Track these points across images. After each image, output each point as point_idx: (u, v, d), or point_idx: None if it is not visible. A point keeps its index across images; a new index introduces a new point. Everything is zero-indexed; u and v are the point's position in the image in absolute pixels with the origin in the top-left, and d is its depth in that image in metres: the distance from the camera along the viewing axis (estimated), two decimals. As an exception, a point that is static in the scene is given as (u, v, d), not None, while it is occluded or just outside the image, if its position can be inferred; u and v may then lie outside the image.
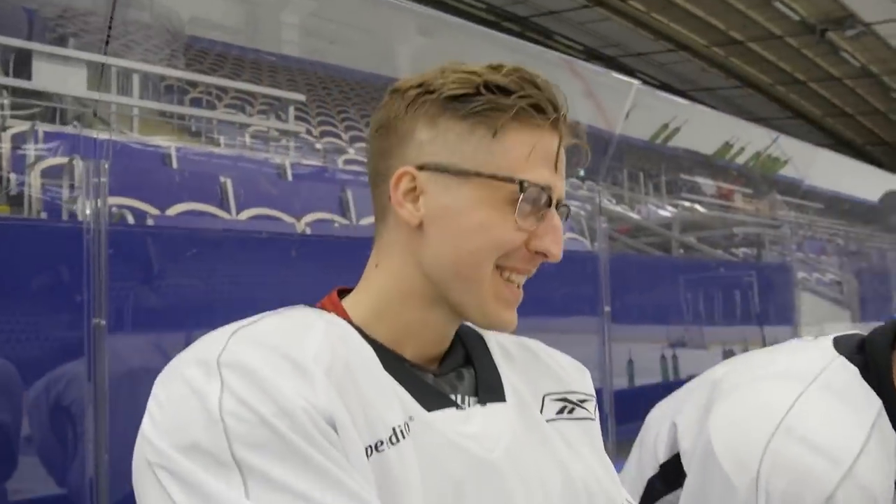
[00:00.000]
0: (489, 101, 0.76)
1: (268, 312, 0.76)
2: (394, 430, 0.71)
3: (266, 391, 0.65)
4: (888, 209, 7.59)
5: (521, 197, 0.75)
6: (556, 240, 0.78)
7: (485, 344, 0.87)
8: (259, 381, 0.65)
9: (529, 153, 0.76)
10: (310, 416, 0.65)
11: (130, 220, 2.95)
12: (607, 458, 0.87)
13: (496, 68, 0.77)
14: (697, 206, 6.95)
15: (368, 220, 4.23)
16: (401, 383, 0.74)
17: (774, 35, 14.33)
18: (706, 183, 6.71)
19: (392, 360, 0.76)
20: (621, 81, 3.96)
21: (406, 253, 0.79)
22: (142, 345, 2.06)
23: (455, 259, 0.77)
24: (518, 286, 0.79)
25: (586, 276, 2.93)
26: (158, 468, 0.64)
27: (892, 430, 0.91)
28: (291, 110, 5.22)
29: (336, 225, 3.99)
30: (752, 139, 5.72)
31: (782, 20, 13.58)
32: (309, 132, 6.01)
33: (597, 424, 0.88)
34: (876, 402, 0.92)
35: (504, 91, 0.76)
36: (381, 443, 0.69)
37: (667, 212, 6.79)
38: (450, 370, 0.81)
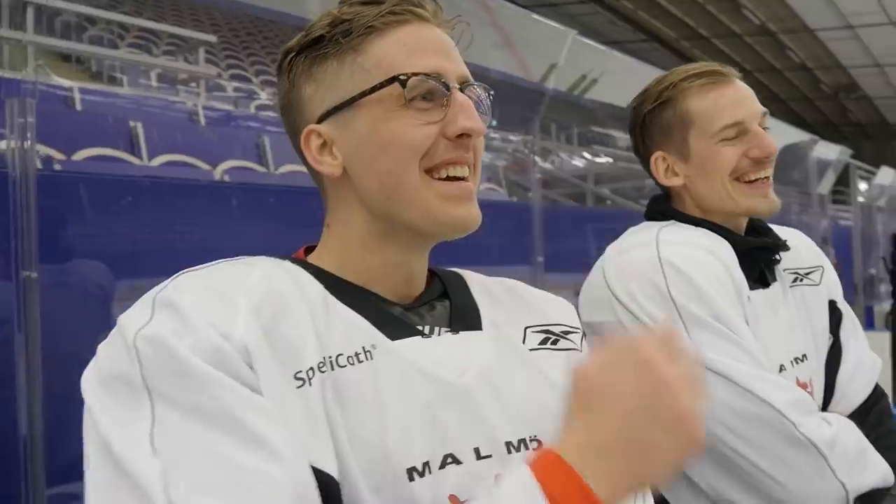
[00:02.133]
0: (340, 31, 0.77)
1: (225, 259, 0.77)
2: (352, 355, 0.72)
3: (184, 323, 0.67)
4: (787, 164, 7.95)
5: (406, 90, 0.75)
6: (468, 115, 0.76)
7: (465, 283, 0.87)
8: (181, 313, 0.67)
9: (404, 51, 0.77)
10: (219, 348, 0.66)
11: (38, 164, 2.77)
12: None
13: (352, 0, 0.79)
14: (609, 158, 7.09)
15: (286, 167, 4.11)
16: (364, 316, 0.75)
17: (681, -10, 14.65)
18: (619, 135, 6.83)
19: (356, 296, 0.77)
20: (556, 30, 3.93)
21: (346, 203, 0.80)
22: (74, 296, 1.95)
23: (381, 183, 0.77)
24: (463, 179, 0.78)
25: (521, 226, 2.95)
26: (86, 392, 0.68)
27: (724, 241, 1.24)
28: (202, 52, 4.98)
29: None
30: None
31: (689, -24, 13.87)
32: (219, 75, 5.77)
33: (583, 356, 0.87)
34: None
35: (355, 15, 0.78)
36: (327, 366, 0.70)
37: (580, 163, 6.90)
38: (422, 304, 0.82)
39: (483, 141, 0.81)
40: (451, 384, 0.75)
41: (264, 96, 6.10)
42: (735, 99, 1.24)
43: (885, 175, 8.74)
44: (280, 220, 2.68)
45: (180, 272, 0.73)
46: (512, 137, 6.10)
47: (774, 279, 1.28)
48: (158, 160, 3.53)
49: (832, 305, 1.33)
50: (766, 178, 1.26)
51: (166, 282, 0.72)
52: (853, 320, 1.34)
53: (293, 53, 0.81)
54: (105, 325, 1.92)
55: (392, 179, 0.77)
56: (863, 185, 7.82)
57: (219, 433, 0.63)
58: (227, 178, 3.52)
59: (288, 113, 0.83)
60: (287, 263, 0.78)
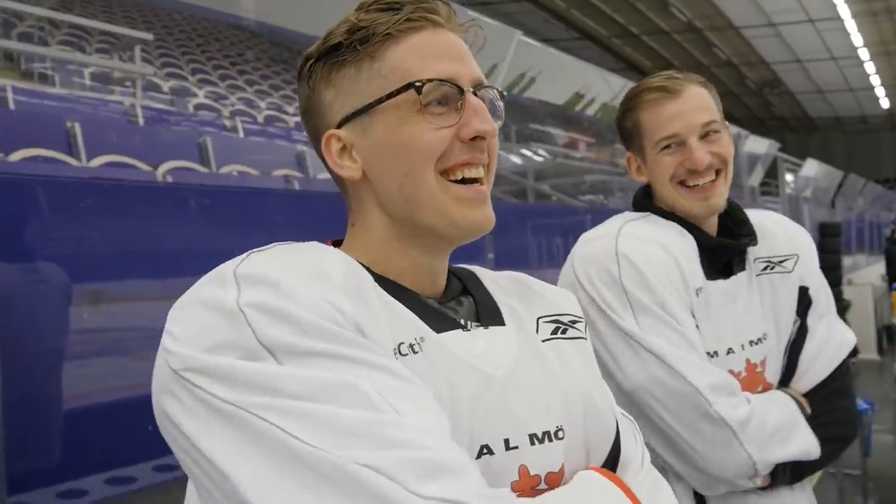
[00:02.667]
0: (358, 38, 0.79)
1: (277, 243, 0.77)
2: (409, 345, 0.74)
3: (287, 293, 0.66)
4: (743, 165, 8.17)
5: (421, 96, 0.77)
6: (482, 119, 0.79)
7: (478, 278, 0.90)
8: (278, 284, 0.67)
9: (419, 57, 0.79)
10: (333, 316, 0.67)
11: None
12: (599, 375, 0.91)
13: (362, 5, 0.81)
14: (546, 155, 7.18)
15: (230, 167, 4.06)
16: (408, 307, 0.77)
17: (612, -12, 14.92)
18: (557, 132, 6.93)
19: (397, 289, 0.79)
20: (500, 30, 3.97)
21: (367, 206, 0.82)
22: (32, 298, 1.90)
23: (400, 186, 0.79)
24: (478, 181, 0.80)
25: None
26: (186, 371, 0.64)
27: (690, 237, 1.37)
28: (137, 50, 4.87)
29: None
30: (601, 90, 5.95)
31: (619, -26, 14.14)
32: (155, 74, 5.65)
33: (589, 344, 0.91)
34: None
35: (372, 22, 0.79)
36: (396, 353, 0.72)
37: (519, 159, 6.97)
38: (450, 299, 0.84)
39: (497, 142, 0.83)
40: (490, 377, 0.77)
41: (202, 95, 5.99)
42: (675, 113, 1.36)
43: (810, 167, 9.09)
44: (228, 222, 2.65)
45: (248, 252, 0.72)
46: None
47: (743, 268, 1.40)
48: (98, 161, 3.45)
49: (803, 291, 1.44)
50: (707, 182, 1.37)
51: (234, 260, 0.71)
52: (827, 305, 1.47)
53: (312, 60, 0.82)
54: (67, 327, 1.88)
55: (410, 182, 0.79)
56: (789, 177, 8.11)
57: (365, 369, 0.64)
58: (169, 179, 3.46)
59: (308, 118, 0.85)
60: (339, 251, 0.79)
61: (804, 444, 1.30)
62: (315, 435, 0.60)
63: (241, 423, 0.61)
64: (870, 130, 26.74)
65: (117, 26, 5.63)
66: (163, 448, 0.71)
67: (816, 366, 1.40)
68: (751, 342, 1.36)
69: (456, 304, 0.84)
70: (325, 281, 0.69)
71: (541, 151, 7.13)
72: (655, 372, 1.25)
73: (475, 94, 0.80)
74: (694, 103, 1.36)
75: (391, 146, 0.79)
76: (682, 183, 1.36)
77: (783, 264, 1.44)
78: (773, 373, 1.37)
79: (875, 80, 20.56)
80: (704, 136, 1.34)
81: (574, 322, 0.91)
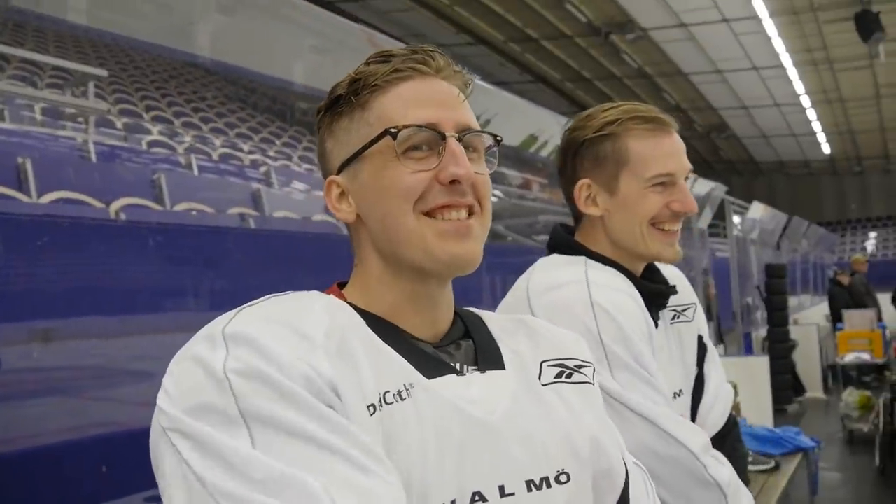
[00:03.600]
0: (352, 90, 0.84)
1: (272, 294, 0.79)
2: (395, 392, 0.75)
3: (268, 356, 0.69)
4: (699, 207, 8.32)
5: (397, 142, 0.80)
6: (457, 163, 0.81)
7: (483, 322, 0.91)
8: (261, 347, 0.70)
9: (402, 105, 0.82)
10: (310, 378, 0.69)
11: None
12: (609, 421, 0.90)
13: (369, 60, 0.86)
14: (501, 195, 7.26)
15: (183, 205, 4.03)
16: (400, 353, 0.78)
17: (564, 34, 15.26)
18: (511, 173, 7.01)
19: (391, 333, 0.80)
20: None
21: (363, 245, 0.87)
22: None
23: (384, 226, 0.83)
24: (460, 219, 0.82)
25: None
26: (171, 432, 0.68)
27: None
28: (91, 86, 4.82)
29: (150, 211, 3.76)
30: (555, 132, 6.06)
31: (572, 21, 14.48)
32: (109, 111, 5.59)
33: (597, 389, 0.90)
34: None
35: (367, 72, 0.84)
36: (380, 403, 0.73)
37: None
38: (449, 342, 0.85)
39: (488, 182, 0.85)
40: (482, 422, 0.77)
41: (156, 132, 5.95)
42: (672, 151, 1.29)
43: (756, 210, 9.33)
44: (182, 259, 2.63)
45: (240, 307, 0.75)
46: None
47: (659, 318, 1.32)
48: (49, 197, 3.39)
49: (700, 340, 1.41)
50: (678, 230, 1.31)
51: (226, 316, 0.74)
52: (714, 351, 1.42)
53: (321, 112, 0.88)
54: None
55: (394, 219, 0.81)
56: (737, 219, 8.31)
57: (327, 454, 0.65)
58: (123, 216, 3.41)
59: (321, 166, 0.90)
60: (334, 301, 0.81)
61: (749, 498, 1.26)
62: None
63: (199, 496, 0.65)
64: (812, 174, 27.62)
65: (70, 62, 5.58)
66: (116, 490, 0.71)
67: (714, 415, 1.36)
68: (675, 394, 1.30)
69: (454, 347, 0.85)
70: (306, 341, 0.72)
71: (496, 192, 7.21)
72: (645, 438, 1.15)
73: (460, 140, 0.82)
74: (682, 144, 1.31)
75: (375, 189, 0.82)
76: (655, 225, 1.28)
77: (685, 313, 1.40)
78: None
79: (816, 127, 21.29)
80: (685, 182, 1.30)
81: (580, 367, 0.90)
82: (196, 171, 5.01)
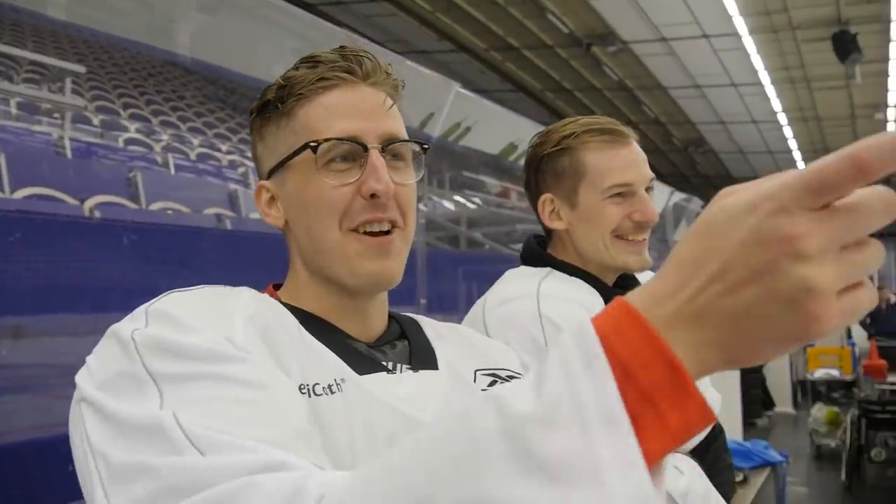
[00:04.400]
0: (279, 97, 0.84)
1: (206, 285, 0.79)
2: (325, 386, 0.75)
3: (182, 327, 0.68)
4: (669, 220, 8.37)
5: (317, 156, 0.80)
6: (377, 178, 0.80)
7: (419, 326, 0.92)
8: (178, 321, 0.69)
9: (325, 116, 0.82)
10: (222, 344, 0.68)
11: None
12: None
13: (298, 63, 0.85)
14: (480, 202, 7.28)
15: (159, 204, 3.99)
16: (332, 350, 0.78)
17: (546, 45, 15.34)
18: (490, 181, 7.04)
19: (323, 330, 0.81)
20: (441, 81, 4.04)
21: (293, 251, 0.87)
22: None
23: (309, 238, 0.83)
24: (386, 233, 0.82)
25: (405, 268, 2.98)
26: (81, 403, 0.68)
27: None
28: (69, 82, 4.77)
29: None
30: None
31: (554, 31, 14.56)
32: (86, 107, 5.53)
33: None
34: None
35: (294, 79, 0.84)
36: (305, 388, 0.73)
37: (452, 206, 7.04)
38: (384, 343, 0.86)
39: (411, 193, 0.85)
40: (413, 419, 0.78)
41: (133, 130, 5.90)
42: (629, 161, 1.29)
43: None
44: (157, 258, 2.61)
45: (167, 292, 0.75)
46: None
47: None
48: (22, 192, 3.35)
49: None
50: (644, 238, 1.31)
51: (155, 298, 0.74)
52: None
53: (253, 115, 0.88)
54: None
55: (318, 232, 0.82)
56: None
57: (223, 384, 0.64)
58: (97, 214, 3.38)
59: (255, 167, 0.91)
60: (264, 295, 0.82)
61: None
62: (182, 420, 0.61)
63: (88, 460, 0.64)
64: (787, 191, 27.95)
65: (48, 57, 5.52)
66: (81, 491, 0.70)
67: None
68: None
69: (389, 347, 0.86)
70: (225, 319, 0.71)
71: (474, 199, 7.23)
72: None
73: (383, 150, 0.82)
74: (640, 154, 1.31)
75: (299, 201, 0.83)
76: (619, 236, 1.28)
77: None
78: None
79: (793, 144, 21.57)
80: (647, 191, 1.30)
81: (511, 378, 0.91)
82: (173, 171, 4.98)
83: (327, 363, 0.77)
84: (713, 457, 1.33)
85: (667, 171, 23.50)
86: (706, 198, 9.92)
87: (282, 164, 0.83)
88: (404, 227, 0.85)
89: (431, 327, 0.93)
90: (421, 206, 4.38)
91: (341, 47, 0.86)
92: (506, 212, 7.03)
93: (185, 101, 8.42)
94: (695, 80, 16.70)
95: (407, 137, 0.86)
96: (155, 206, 3.89)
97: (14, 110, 4.83)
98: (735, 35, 13.90)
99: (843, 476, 5.85)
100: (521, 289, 1.28)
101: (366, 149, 0.81)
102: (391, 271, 0.83)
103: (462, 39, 15.40)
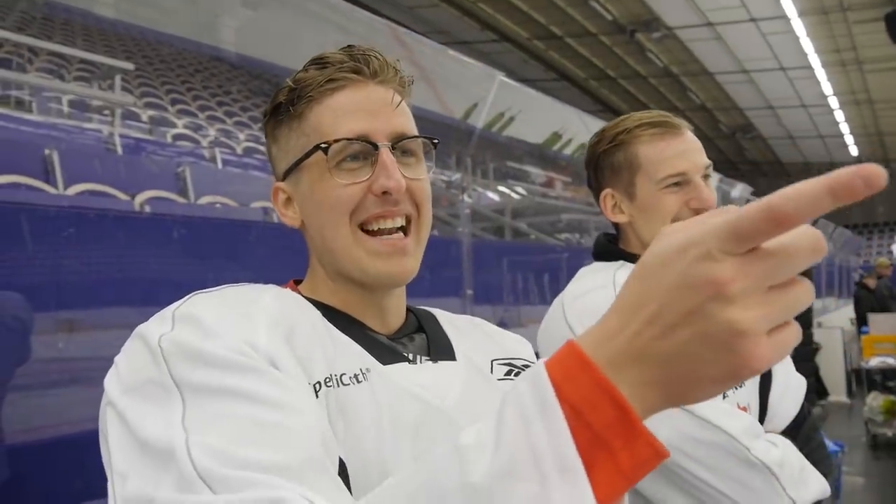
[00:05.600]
0: (290, 99, 0.86)
1: (230, 284, 0.81)
2: (352, 375, 0.77)
3: (208, 331, 0.70)
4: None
5: (328, 156, 0.82)
6: (388, 175, 0.82)
7: (436, 319, 0.93)
8: (204, 325, 0.71)
9: (334, 116, 0.84)
10: (244, 349, 0.70)
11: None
12: None
13: (307, 65, 0.87)
14: (524, 192, 7.24)
15: (207, 198, 4.05)
16: (356, 341, 0.81)
17: (590, 32, 15.18)
18: (534, 171, 7.00)
19: (346, 322, 0.83)
20: (481, 71, 4.02)
21: (311, 249, 0.89)
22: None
23: (322, 237, 0.85)
24: (397, 231, 0.84)
25: (449, 258, 3.00)
26: (108, 407, 0.70)
27: None
28: (118, 79, 4.86)
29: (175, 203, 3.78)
30: (579, 130, 6.04)
31: (597, 19, 14.40)
32: (135, 104, 5.64)
33: None
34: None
35: (303, 81, 0.85)
36: (330, 382, 0.75)
37: (497, 197, 7.02)
38: (403, 336, 0.88)
39: (424, 186, 0.87)
40: (435, 407, 0.79)
41: (181, 125, 5.99)
42: (681, 151, 1.31)
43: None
44: (206, 252, 2.64)
45: (193, 293, 0.77)
46: (430, 172, 6.11)
47: None
48: (74, 189, 3.42)
49: None
50: None
51: (181, 300, 0.75)
52: None
53: (266, 117, 0.90)
54: (23, 357, 1.86)
55: (328, 234, 0.84)
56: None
57: (243, 402, 0.65)
58: (147, 209, 3.44)
59: (272, 168, 0.93)
60: (287, 291, 0.84)
61: (821, 484, 1.25)
62: (192, 447, 0.63)
63: (138, 451, 0.66)
64: (839, 176, 27.32)
65: (97, 55, 5.63)
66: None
67: (784, 406, 1.39)
68: (735, 386, 1.33)
69: (408, 339, 0.88)
70: (249, 321, 0.73)
71: (518, 189, 7.19)
72: (683, 426, 1.15)
73: (393, 148, 0.84)
74: (694, 143, 1.33)
75: (312, 201, 0.85)
76: None
77: None
78: (754, 415, 1.34)
79: (844, 129, 21.02)
80: (704, 179, 1.32)
81: (527, 367, 0.92)
82: (220, 165, 5.04)
83: (353, 354, 0.79)
84: (804, 437, 1.35)
85: (714, 157, 23.00)
86: (755, 185, 9.72)
87: (295, 166, 0.86)
88: (419, 220, 0.86)
89: (447, 320, 0.95)
90: (465, 198, 4.37)
91: (349, 46, 0.88)
92: (550, 201, 6.98)
93: (230, 95, 8.54)
94: (742, 65, 16.37)
95: (416, 133, 0.87)
96: (203, 201, 3.95)
97: (66, 108, 4.95)
98: (784, 18, 13.57)
99: (901, 467, 5.71)
100: (596, 281, 1.31)
101: (376, 147, 0.83)
102: (406, 270, 0.85)
103: (504, 29, 15.32)
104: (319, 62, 0.86)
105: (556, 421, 0.47)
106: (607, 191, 1.38)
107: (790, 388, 1.40)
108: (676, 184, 1.30)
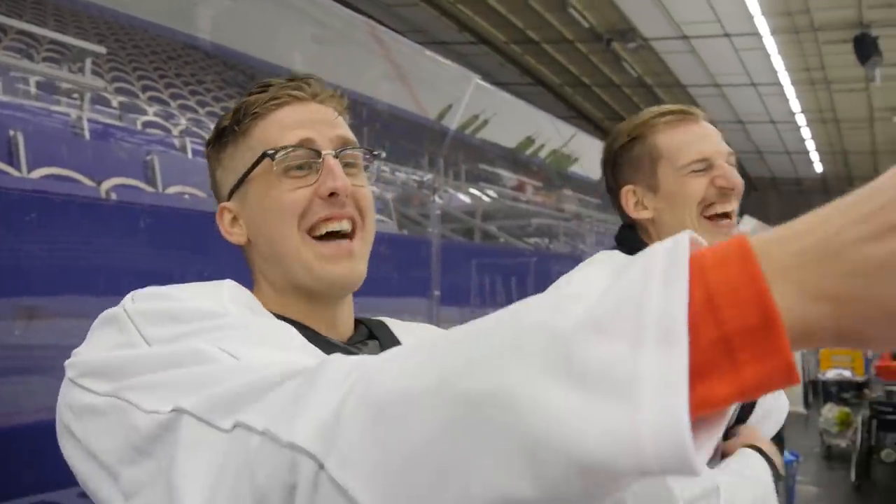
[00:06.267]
0: (235, 120, 0.89)
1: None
2: None
3: (172, 298, 0.72)
4: None
5: (275, 162, 0.85)
6: (335, 176, 0.85)
7: (386, 326, 0.96)
8: (167, 295, 0.73)
9: (279, 128, 0.87)
10: (217, 310, 0.71)
11: None
12: None
13: (249, 91, 0.91)
14: (495, 195, 7.25)
15: (175, 188, 4.00)
16: (314, 346, 0.80)
17: (566, 39, 15.26)
18: (506, 174, 7.01)
19: (301, 330, 0.83)
20: (456, 72, 4.03)
21: (256, 266, 0.91)
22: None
23: (270, 246, 0.87)
24: (344, 235, 0.86)
25: (416, 259, 3.00)
26: (78, 377, 0.69)
27: None
28: (88, 62, 4.78)
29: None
30: (551, 136, 6.07)
31: (574, 26, 14.48)
32: (105, 88, 5.55)
33: None
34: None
35: (247, 102, 0.90)
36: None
37: (468, 199, 7.03)
38: (355, 343, 0.90)
39: (368, 194, 0.90)
40: None
41: (151, 113, 5.91)
42: (701, 135, 1.29)
43: (747, 223, 9.40)
44: (172, 242, 2.61)
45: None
46: (401, 171, 6.14)
47: None
48: (39, 172, 3.35)
49: None
50: (729, 215, 1.28)
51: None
52: None
53: (209, 145, 0.94)
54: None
55: (277, 240, 0.86)
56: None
57: (227, 330, 0.67)
58: (113, 196, 3.38)
59: (214, 195, 0.95)
60: (245, 289, 0.85)
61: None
62: (157, 399, 0.62)
63: (110, 410, 0.65)
64: (802, 192, 27.77)
65: (68, 36, 5.53)
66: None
67: (766, 426, 1.34)
68: None
69: (362, 345, 0.90)
70: (214, 296, 0.76)
71: (490, 192, 7.21)
72: None
73: (337, 156, 0.87)
74: (713, 129, 1.31)
75: (261, 210, 0.87)
76: (706, 214, 1.26)
77: None
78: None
79: (810, 146, 21.38)
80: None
81: None
82: (190, 155, 4.98)
83: (313, 357, 0.79)
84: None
85: (683, 169, 23.41)
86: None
87: (243, 179, 0.88)
88: (363, 225, 0.89)
89: (400, 327, 0.96)
90: (436, 199, 4.37)
91: (290, 78, 0.93)
92: (521, 205, 7.01)
93: (203, 85, 8.44)
94: (714, 79, 16.57)
95: (358, 145, 0.91)
96: (171, 190, 3.89)
97: (33, 89, 4.85)
98: (756, 35, 13.77)
99: (853, 476, 5.83)
100: (613, 258, 1.27)
101: (320, 155, 0.86)
102: (355, 273, 0.87)
103: (482, 31, 15.34)
104: (262, 85, 0.90)
105: (677, 293, 0.38)
106: (628, 187, 1.33)
107: (775, 410, 1.38)
108: (701, 169, 1.26)
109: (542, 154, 6.32)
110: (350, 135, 0.90)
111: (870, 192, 0.38)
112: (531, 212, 6.82)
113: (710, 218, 1.27)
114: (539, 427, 0.39)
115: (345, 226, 0.86)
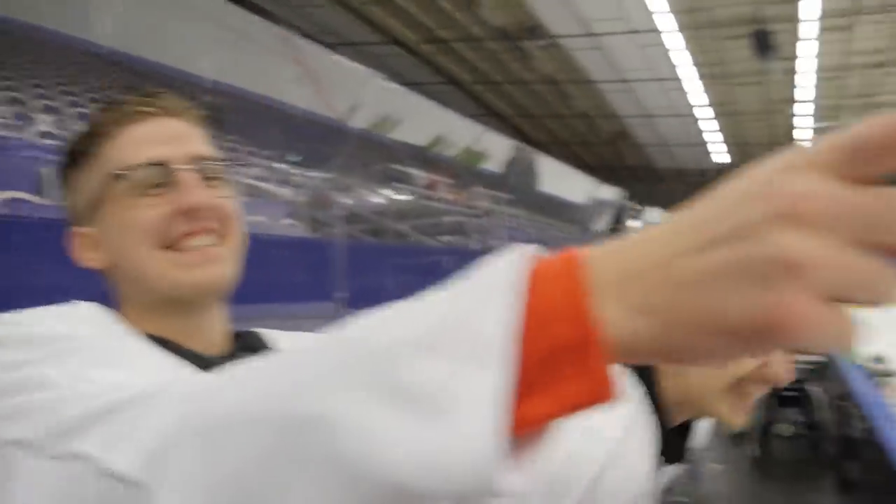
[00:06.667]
0: (83, 142, 0.87)
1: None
2: None
3: (10, 323, 0.70)
4: (593, 211, 8.51)
5: (128, 182, 0.83)
6: (189, 191, 0.83)
7: (260, 338, 0.92)
8: (15, 321, 0.70)
9: (133, 146, 0.85)
10: (66, 335, 0.69)
11: None
12: None
13: (98, 110, 0.90)
14: (407, 195, 7.28)
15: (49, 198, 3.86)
16: (185, 360, 0.79)
17: (476, 38, 15.41)
18: (418, 173, 7.04)
19: (172, 347, 0.81)
20: (360, 72, 4.01)
21: (119, 289, 0.87)
22: None
23: (129, 265, 0.84)
24: (204, 246, 0.84)
25: (322, 262, 2.96)
26: None
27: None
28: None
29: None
30: (462, 134, 6.12)
31: (483, 24, 14.63)
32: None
33: None
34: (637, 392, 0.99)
35: (96, 121, 0.87)
36: None
37: (378, 199, 7.02)
38: (230, 356, 0.85)
39: (230, 203, 0.88)
40: None
41: (45, 123, 5.70)
42: None
43: (651, 214, 9.71)
44: (65, 258, 2.53)
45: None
46: (312, 174, 6.09)
47: None
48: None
49: None
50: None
51: None
52: None
53: (59, 171, 0.89)
54: None
55: (134, 256, 0.83)
56: (636, 223, 8.59)
57: (70, 354, 0.65)
58: (3, 211, 3.25)
59: (69, 220, 0.90)
60: (104, 308, 0.81)
61: None
62: None
63: None
64: (707, 182, 28.77)
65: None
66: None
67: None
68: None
69: (235, 358, 0.86)
70: (68, 322, 0.72)
71: (400, 191, 7.22)
72: None
73: (192, 170, 0.85)
74: None
75: (116, 232, 0.84)
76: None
77: None
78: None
79: (714, 137, 22.20)
80: None
81: None
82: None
83: (174, 375, 0.76)
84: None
85: (594, 161, 23.86)
86: (631, 189, 10.13)
87: (97, 202, 0.85)
88: (227, 233, 0.86)
89: (275, 336, 0.94)
90: (341, 200, 4.36)
91: (141, 93, 0.90)
92: (432, 204, 7.05)
93: (104, 92, 8.17)
94: (621, 75, 17.03)
95: (214, 156, 0.89)
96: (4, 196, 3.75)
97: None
98: (659, 32, 14.23)
99: (755, 452, 6.13)
100: None
101: (174, 170, 0.84)
102: (218, 277, 0.84)
103: (395, 32, 15.34)
104: (110, 104, 0.88)
105: (505, 304, 0.37)
106: None
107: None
108: None
109: (453, 152, 6.37)
110: (205, 148, 0.88)
111: (701, 205, 0.38)
112: (442, 210, 6.87)
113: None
114: (357, 452, 0.38)
115: (205, 241, 0.84)
